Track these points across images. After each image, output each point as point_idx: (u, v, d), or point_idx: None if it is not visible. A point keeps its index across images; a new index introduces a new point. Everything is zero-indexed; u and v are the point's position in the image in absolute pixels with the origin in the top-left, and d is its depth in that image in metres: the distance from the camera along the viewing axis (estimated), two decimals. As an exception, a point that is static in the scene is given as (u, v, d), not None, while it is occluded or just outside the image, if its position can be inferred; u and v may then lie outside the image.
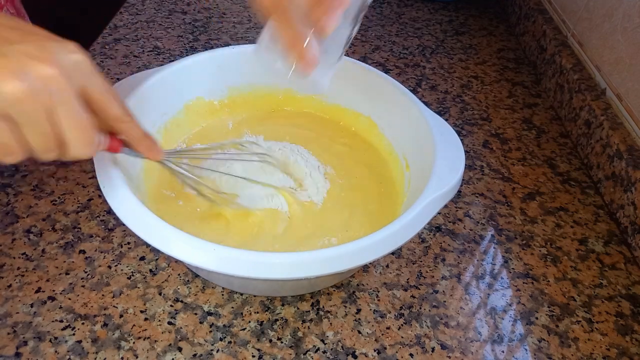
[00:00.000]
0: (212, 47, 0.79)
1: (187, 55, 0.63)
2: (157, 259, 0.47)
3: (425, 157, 0.47)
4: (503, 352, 0.43)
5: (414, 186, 0.48)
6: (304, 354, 0.41)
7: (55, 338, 0.41)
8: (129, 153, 0.39)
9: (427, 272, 0.49)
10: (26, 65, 0.28)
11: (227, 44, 0.80)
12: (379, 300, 0.46)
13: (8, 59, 0.28)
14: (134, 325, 0.42)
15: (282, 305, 0.45)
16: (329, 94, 0.59)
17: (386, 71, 0.78)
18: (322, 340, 0.42)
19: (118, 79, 0.69)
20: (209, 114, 0.57)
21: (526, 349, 0.44)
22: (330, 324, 0.44)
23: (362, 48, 0.83)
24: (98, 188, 0.39)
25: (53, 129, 0.30)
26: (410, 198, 0.47)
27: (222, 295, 0.45)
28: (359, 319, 0.44)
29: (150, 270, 0.46)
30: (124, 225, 0.37)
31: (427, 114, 0.49)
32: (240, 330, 0.43)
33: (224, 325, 0.43)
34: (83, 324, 0.42)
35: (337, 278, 0.46)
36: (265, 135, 0.55)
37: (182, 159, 0.46)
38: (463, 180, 0.60)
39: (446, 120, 0.61)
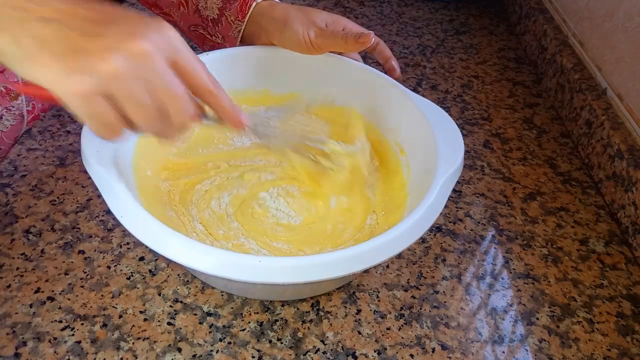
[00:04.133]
0: (212, 47, 0.79)
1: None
2: (156, 260, 0.47)
3: (421, 138, 0.47)
4: (504, 352, 0.43)
5: (415, 168, 0.49)
6: (304, 354, 0.41)
7: (55, 338, 0.41)
8: (208, 123, 0.38)
9: (427, 272, 0.49)
10: (122, 42, 0.30)
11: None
12: (379, 300, 0.46)
13: (104, 38, 0.30)
14: (133, 325, 0.42)
15: (282, 305, 0.45)
16: (307, 90, 0.58)
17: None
18: (322, 341, 0.42)
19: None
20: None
21: (527, 350, 0.43)
22: (330, 324, 0.44)
23: (362, 47, 0.83)
24: (97, 188, 0.39)
25: (153, 101, 0.31)
26: (414, 181, 0.48)
27: (222, 295, 0.45)
28: (359, 319, 0.44)
29: (150, 271, 0.46)
30: (123, 225, 0.37)
31: (410, 94, 0.50)
32: (240, 330, 0.42)
33: (224, 326, 0.43)
34: (82, 324, 0.42)
35: (344, 279, 0.46)
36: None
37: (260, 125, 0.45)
38: (464, 180, 0.60)
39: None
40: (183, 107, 0.33)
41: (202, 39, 0.60)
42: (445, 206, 0.55)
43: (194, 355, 0.40)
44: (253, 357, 0.41)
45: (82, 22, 0.30)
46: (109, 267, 0.46)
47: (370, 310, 0.45)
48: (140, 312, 0.43)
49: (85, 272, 0.45)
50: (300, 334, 0.43)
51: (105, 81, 0.29)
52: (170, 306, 0.44)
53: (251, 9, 0.55)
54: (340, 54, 0.56)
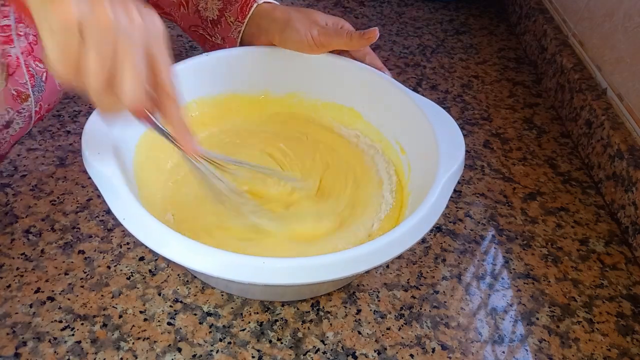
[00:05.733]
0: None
1: (186, 54, 0.63)
2: (156, 260, 0.47)
3: (422, 137, 0.48)
4: (504, 352, 0.43)
5: (416, 167, 0.49)
6: (304, 354, 0.41)
7: (55, 338, 0.41)
8: (160, 131, 0.38)
9: (427, 272, 0.49)
10: (124, 5, 0.31)
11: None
12: (379, 300, 0.46)
13: None
14: (133, 325, 0.42)
15: (282, 305, 0.45)
16: (307, 90, 0.58)
17: (386, 71, 0.77)
18: (322, 341, 0.42)
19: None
20: None
21: (527, 350, 0.43)
22: (330, 324, 0.44)
23: (362, 47, 0.83)
24: (97, 188, 0.39)
25: (112, 61, 0.31)
26: (415, 180, 0.48)
27: (222, 295, 0.45)
28: (359, 319, 0.44)
29: (150, 271, 0.46)
30: (123, 225, 0.37)
31: (411, 94, 0.51)
32: (240, 330, 0.42)
33: (224, 326, 0.43)
34: (82, 324, 0.42)
35: (345, 280, 0.46)
36: (248, 148, 0.54)
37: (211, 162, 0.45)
38: (464, 180, 0.60)
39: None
40: (135, 83, 0.32)
41: (202, 39, 0.60)
42: (446, 206, 0.55)
43: (194, 355, 0.40)
44: (253, 357, 0.41)
45: None
46: (109, 267, 0.46)
47: (370, 310, 0.45)
48: (140, 312, 0.43)
49: (85, 272, 0.45)
50: (300, 334, 0.43)
51: (90, 19, 0.30)
52: (170, 306, 0.44)
53: (252, 10, 0.55)
54: (341, 52, 0.56)
